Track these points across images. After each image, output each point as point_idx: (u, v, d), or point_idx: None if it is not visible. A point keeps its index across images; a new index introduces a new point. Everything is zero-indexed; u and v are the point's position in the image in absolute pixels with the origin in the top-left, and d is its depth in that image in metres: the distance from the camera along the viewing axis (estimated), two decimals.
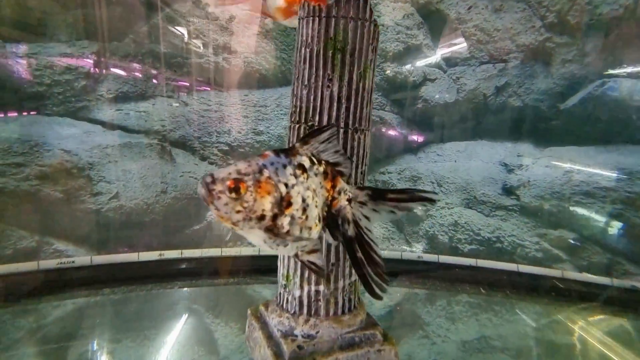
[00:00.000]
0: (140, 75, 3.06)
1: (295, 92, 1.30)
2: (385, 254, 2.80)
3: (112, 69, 3.00)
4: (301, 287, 1.27)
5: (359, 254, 0.81)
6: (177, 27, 3.10)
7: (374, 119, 3.33)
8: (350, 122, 1.23)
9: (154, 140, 2.96)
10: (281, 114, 3.22)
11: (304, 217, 0.74)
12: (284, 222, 0.71)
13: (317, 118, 1.23)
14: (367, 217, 0.84)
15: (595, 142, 3.14)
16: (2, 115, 2.65)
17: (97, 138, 2.79)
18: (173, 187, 2.88)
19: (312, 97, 1.23)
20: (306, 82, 1.24)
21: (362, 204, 0.84)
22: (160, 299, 2.29)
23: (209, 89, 3.20)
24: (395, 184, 3.33)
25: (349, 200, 0.84)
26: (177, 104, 3.12)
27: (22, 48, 2.70)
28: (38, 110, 2.73)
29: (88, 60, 2.86)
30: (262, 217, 0.69)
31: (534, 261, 2.78)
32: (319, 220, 0.78)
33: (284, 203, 0.71)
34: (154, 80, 3.12)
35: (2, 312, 2.10)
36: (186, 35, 3.11)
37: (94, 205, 2.61)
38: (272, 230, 0.71)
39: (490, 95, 3.43)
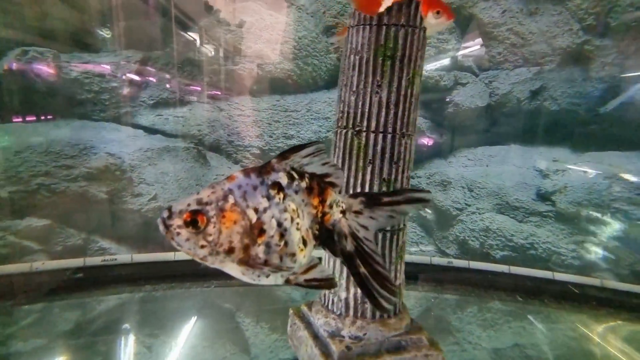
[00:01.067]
0: (179, 82, 3.20)
1: (342, 98, 1.32)
2: (413, 258, 2.79)
3: (153, 77, 3.15)
4: (347, 289, 1.29)
5: (362, 269, 0.73)
6: (213, 37, 3.23)
7: None
8: (398, 128, 1.25)
9: (190, 144, 3.08)
10: (311, 118, 3.27)
11: (282, 243, 0.66)
12: (259, 251, 0.64)
13: (365, 123, 1.26)
14: (364, 227, 0.77)
15: (637, 146, 3.02)
16: (55, 120, 2.85)
17: (139, 142, 2.93)
18: None
19: (360, 103, 1.26)
20: (354, 88, 1.27)
21: (358, 213, 0.77)
22: (198, 297, 2.37)
23: (242, 94, 3.30)
24: (425, 188, 3.32)
25: (343, 212, 0.76)
26: (213, 110, 3.24)
27: (75, 58, 2.89)
28: (87, 116, 2.90)
29: (132, 68, 3.03)
30: (230, 250, 0.62)
31: (571, 269, 2.70)
32: (305, 244, 0.70)
33: (255, 231, 0.63)
34: (191, 87, 3.25)
35: (51, 306, 2.25)
36: (222, 44, 3.23)
37: (135, 205, 2.73)
38: (248, 262, 0.64)
39: (525, 99, 3.36)
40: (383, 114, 1.24)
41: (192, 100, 3.23)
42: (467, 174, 3.24)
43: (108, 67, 2.96)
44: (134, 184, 2.77)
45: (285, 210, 0.66)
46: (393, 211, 0.76)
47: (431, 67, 3.46)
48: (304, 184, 0.70)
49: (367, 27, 1.23)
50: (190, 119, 3.15)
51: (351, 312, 1.31)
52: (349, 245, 0.75)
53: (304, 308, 1.50)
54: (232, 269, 0.65)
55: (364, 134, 1.27)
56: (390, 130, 1.25)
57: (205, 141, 3.17)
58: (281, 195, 0.66)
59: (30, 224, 2.48)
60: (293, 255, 0.67)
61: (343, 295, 1.31)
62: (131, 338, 1.96)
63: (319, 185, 0.73)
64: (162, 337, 1.91)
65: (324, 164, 0.73)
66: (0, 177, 2.44)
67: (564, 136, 3.32)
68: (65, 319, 2.13)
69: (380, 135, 1.26)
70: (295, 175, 0.69)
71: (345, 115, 1.31)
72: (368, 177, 1.27)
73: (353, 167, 1.29)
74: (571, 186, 2.94)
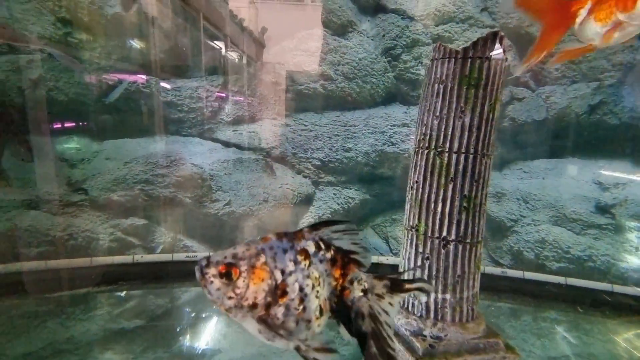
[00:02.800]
0: (252, 101, 3.59)
1: (424, 122, 1.49)
2: None
3: (231, 97, 3.57)
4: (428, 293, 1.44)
5: (373, 349, 0.73)
6: (281, 60, 3.59)
7: None
8: (479, 148, 1.41)
9: (260, 156, 3.43)
10: (368, 132, 3.50)
11: (300, 308, 0.67)
12: (278, 312, 0.66)
13: (447, 145, 1.42)
14: (386, 312, 0.74)
15: None
16: (154, 136, 3.33)
17: (217, 154, 3.33)
18: (273, 197, 3.30)
19: (443, 127, 1.43)
20: (438, 113, 1.43)
21: (380, 296, 0.75)
22: None
23: (306, 111, 3.62)
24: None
25: (365, 292, 0.75)
26: (280, 125, 3.58)
27: (170, 84, 3.37)
28: (178, 132, 3.36)
29: (214, 91, 3.46)
30: (254, 306, 0.65)
31: (633, 282, 2.70)
32: (321, 313, 0.71)
33: (278, 291, 0.66)
34: (262, 105, 3.63)
35: (146, 292, 2.66)
36: (290, 66, 3.57)
37: (213, 210, 3.10)
38: (266, 321, 0.66)
39: (583, 113, 3.38)
40: (465, 136, 1.40)
41: (263, 117, 3.59)
42: (523, 186, 3.30)
43: (195, 90, 3.41)
44: (213, 191, 3.15)
45: (308, 276, 0.69)
46: (402, 298, 0.76)
47: None
48: (328, 255, 0.73)
49: (452, 59, 1.40)
50: (260, 134, 3.51)
51: (432, 314, 1.46)
52: (366, 326, 0.74)
53: None
54: (250, 325, 0.68)
55: (446, 154, 1.43)
56: (472, 151, 1.40)
57: (272, 153, 3.51)
58: (307, 262, 0.69)
59: (132, 222, 2.92)
60: (309, 322, 0.69)
61: (424, 299, 1.47)
62: (209, 324, 2.28)
63: (342, 259, 0.75)
64: (235, 326, 2.19)
65: (353, 244, 0.76)
66: (113, 183, 2.92)
67: (625, 150, 3.29)
68: (158, 304, 2.52)
69: (462, 156, 1.41)
70: (322, 246, 0.72)
71: (428, 137, 1.48)
72: (449, 194, 1.44)
73: (435, 184, 1.46)
74: (632, 199, 2.93)
